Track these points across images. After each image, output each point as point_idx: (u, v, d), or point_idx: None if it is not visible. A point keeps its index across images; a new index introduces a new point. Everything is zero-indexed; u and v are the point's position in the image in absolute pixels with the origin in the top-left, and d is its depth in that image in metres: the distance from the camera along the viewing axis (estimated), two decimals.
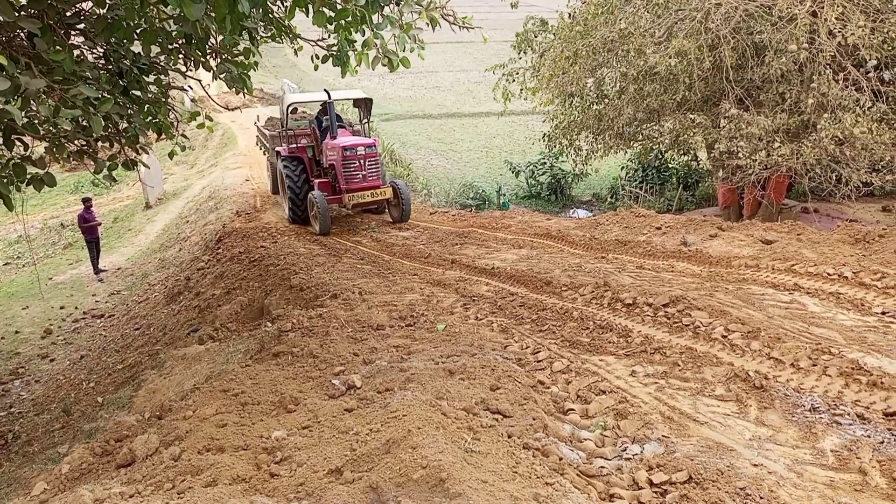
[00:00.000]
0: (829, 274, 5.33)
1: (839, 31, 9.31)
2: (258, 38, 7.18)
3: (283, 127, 11.19)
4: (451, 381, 3.81)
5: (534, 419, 3.37)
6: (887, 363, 3.71)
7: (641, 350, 4.32)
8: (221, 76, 6.54)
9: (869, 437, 3.02)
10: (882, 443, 2.96)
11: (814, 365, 3.79)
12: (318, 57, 7.57)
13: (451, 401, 3.51)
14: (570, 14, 12.14)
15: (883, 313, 4.51)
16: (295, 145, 10.91)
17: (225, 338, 6.72)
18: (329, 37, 7.30)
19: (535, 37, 13.59)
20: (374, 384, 3.93)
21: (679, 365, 4.03)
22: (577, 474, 2.93)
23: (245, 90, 6.71)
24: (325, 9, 5.84)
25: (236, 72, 6.63)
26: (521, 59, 13.59)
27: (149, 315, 9.87)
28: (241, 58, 6.96)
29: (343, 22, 6.14)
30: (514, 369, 4.04)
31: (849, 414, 3.24)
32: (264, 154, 13.57)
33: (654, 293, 5.21)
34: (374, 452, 2.84)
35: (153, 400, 5.31)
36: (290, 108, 10.96)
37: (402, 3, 6.16)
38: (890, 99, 10.26)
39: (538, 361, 4.31)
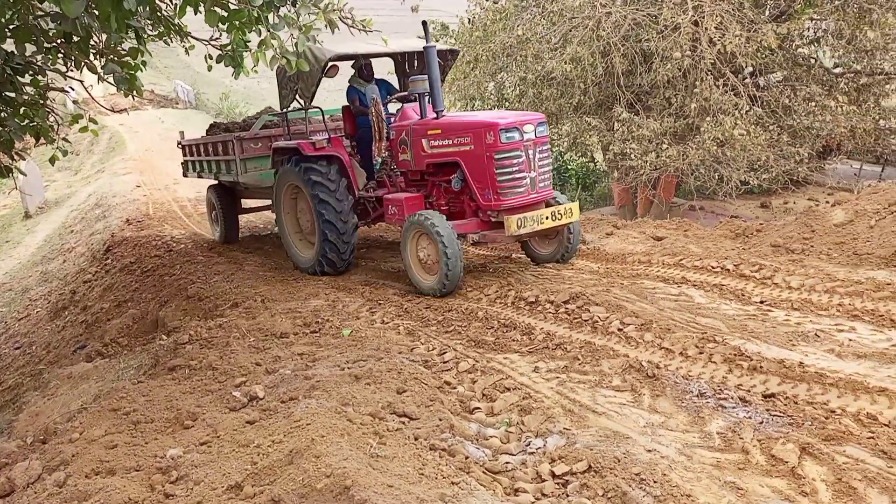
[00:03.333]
0: (712, 267, 5.69)
1: (718, 40, 9.96)
2: (146, 37, 6.83)
3: (284, 109, 7.39)
4: (357, 386, 3.77)
5: (440, 420, 3.38)
6: (765, 348, 3.99)
7: (544, 346, 4.43)
8: (107, 77, 6.18)
9: (750, 418, 3.24)
10: (761, 423, 3.18)
11: (700, 353, 4.02)
12: (211, 57, 7.31)
13: (357, 406, 3.47)
14: (469, 19, 12.35)
15: (761, 302, 4.85)
16: (326, 136, 6.82)
17: (115, 353, 6.34)
18: (222, 36, 7.07)
19: (436, 41, 13.70)
20: (277, 394, 3.82)
21: (579, 359, 4.16)
22: (483, 472, 2.97)
23: (133, 91, 6.37)
24: (217, 8, 5.64)
25: (122, 72, 6.28)
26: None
27: (30, 333, 9.16)
28: (128, 58, 6.60)
29: (237, 22, 5.96)
30: (420, 371, 4.05)
31: (732, 398, 3.46)
32: (199, 176, 9.99)
33: (556, 291, 5.37)
34: (276, 464, 2.76)
35: (36, 423, 4.92)
36: (328, 67, 6.54)
37: (299, 3, 6.04)
38: (765, 103, 11.10)
39: (444, 362, 4.34)
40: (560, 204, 5.99)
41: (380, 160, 6.92)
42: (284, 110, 7.47)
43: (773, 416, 3.23)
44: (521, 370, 4.11)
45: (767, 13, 11.02)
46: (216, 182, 9.61)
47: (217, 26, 6.08)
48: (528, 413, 3.52)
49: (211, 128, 10.11)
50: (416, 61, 7.73)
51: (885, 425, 3.02)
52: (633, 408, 3.50)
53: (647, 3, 10.67)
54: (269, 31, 6.04)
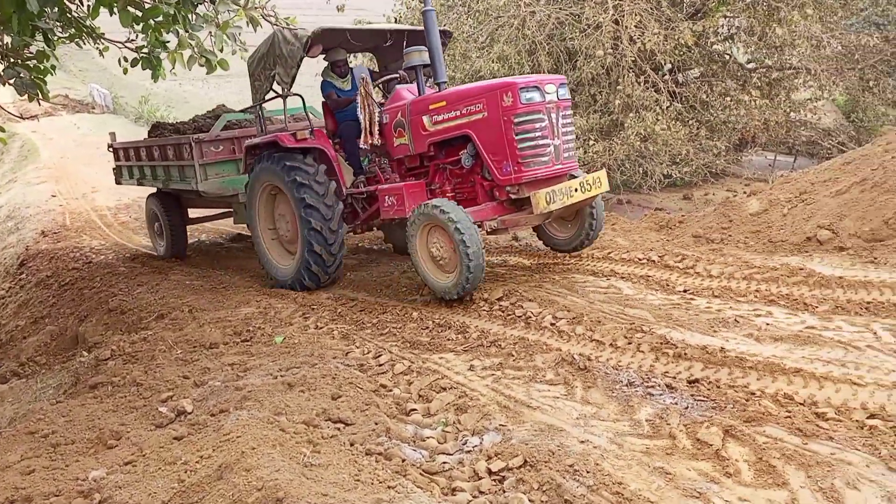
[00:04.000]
0: (639, 259, 5.86)
1: (638, 38, 10.29)
2: (54, 39, 6.49)
3: (258, 100, 6.52)
4: (290, 394, 3.69)
5: (376, 424, 3.35)
6: (689, 336, 4.14)
7: (479, 344, 4.46)
8: (10, 82, 5.84)
9: (676, 404, 3.35)
10: (687, 408, 3.29)
11: (629, 343, 4.13)
12: (126, 59, 7.00)
13: (291, 415, 3.40)
14: (395, 18, 12.31)
15: (685, 291, 5.02)
16: (309, 126, 6.15)
17: (32, 373, 6.01)
18: (138, 38, 6.77)
19: None
20: (206, 407, 3.70)
21: (513, 355, 4.21)
22: (420, 473, 2.96)
23: (40, 96, 6.04)
24: (131, 8, 5.40)
25: (28, 77, 5.95)
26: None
27: None
28: (34, 61, 6.25)
29: (153, 22, 5.73)
30: (355, 376, 4.00)
31: (659, 385, 3.57)
32: (139, 184, 8.90)
33: (489, 288, 5.41)
34: (205, 480, 2.66)
35: None
36: (310, 46, 5.81)
37: (218, 1, 5.85)
38: (684, 99, 11.54)
39: (380, 365, 4.30)
40: (586, 175, 5.27)
41: (369, 151, 6.29)
42: (258, 103, 6.63)
43: (698, 400, 3.34)
44: (457, 369, 4.12)
45: (684, 11, 11.45)
46: (157, 190, 8.67)
47: (132, 27, 5.84)
48: (464, 412, 3.52)
49: (154, 129, 8.88)
50: (405, 43, 6.55)
51: (801, 404, 3.17)
52: (567, 400, 3.56)
53: (569, 3, 10.91)
54: (186, 30, 5.84)
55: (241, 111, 8.15)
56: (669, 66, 11.73)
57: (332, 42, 6.33)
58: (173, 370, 4.40)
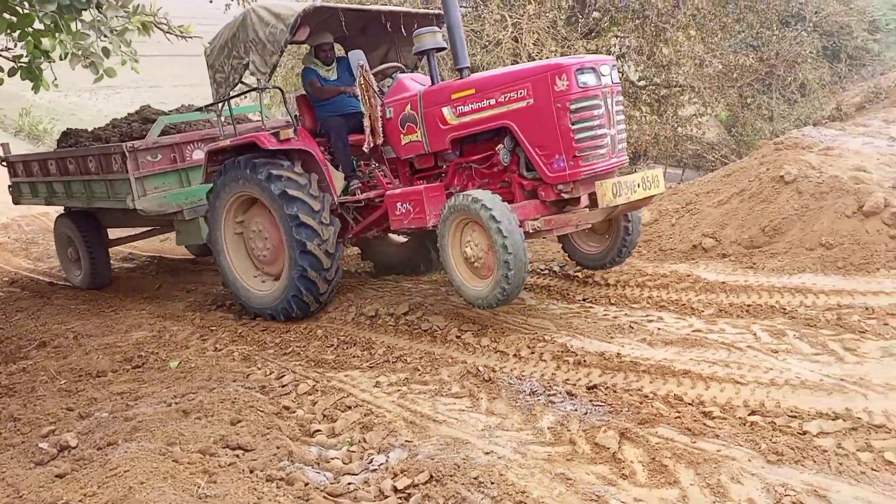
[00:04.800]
0: (541, 269, 6.02)
1: (536, 55, 10.62)
2: None
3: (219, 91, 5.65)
4: (185, 422, 3.52)
5: (278, 448, 3.25)
6: (588, 343, 4.28)
7: (385, 360, 4.43)
8: None
9: (576, 410, 3.45)
10: (586, 413, 3.40)
11: (532, 353, 4.23)
12: (2, 70, 6.50)
13: (185, 444, 3.24)
14: None
15: (584, 300, 5.20)
16: (294, 124, 5.43)
17: None
18: (16, 46, 6.31)
19: None
20: (92, 440, 3.46)
21: (419, 370, 4.21)
22: (324, 497, 2.89)
23: None
24: (6, 14, 5.03)
25: None
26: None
27: None
28: None
29: (31, 29, 5.35)
30: (257, 398, 3.87)
31: (560, 392, 3.66)
32: (47, 203, 7.86)
33: (395, 303, 5.40)
34: None
35: None
36: (298, 27, 5.05)
37: (105, 6, 5.54)
38: None
39: (283, 386, 4.19)
40: (647, 172, 4.69)
41: (367, 151, 5.33)
42: (222, 99, 5.64)
43: (596, 406, 3.46)
44: (363, 386, 4.07)
45: (579, 31, 11.95)
46: (66, 210, 7.57)
47: (6, 33, 5.43)
48: (369, 430, 3.48)
49: (65, 137, 7.63)
50: (402, 29, 5.81)
51: (689, 404, 3.34)
52: (472, 412, 3.59)
53: (471, 20, 11.12)
54: (72, 39, 5.48)
55: (201, 109, 7.05)
56: None
57: (319, 24, 5.60)
58: (56, 402, 4.10)
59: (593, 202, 4.59)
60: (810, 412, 3.12)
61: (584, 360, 4.00)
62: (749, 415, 3.18)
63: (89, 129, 7.75)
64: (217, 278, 7.52)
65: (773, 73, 13.25)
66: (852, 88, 18.21)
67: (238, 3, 9.46)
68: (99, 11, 5.75)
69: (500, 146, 4.65)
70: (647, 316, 4.67)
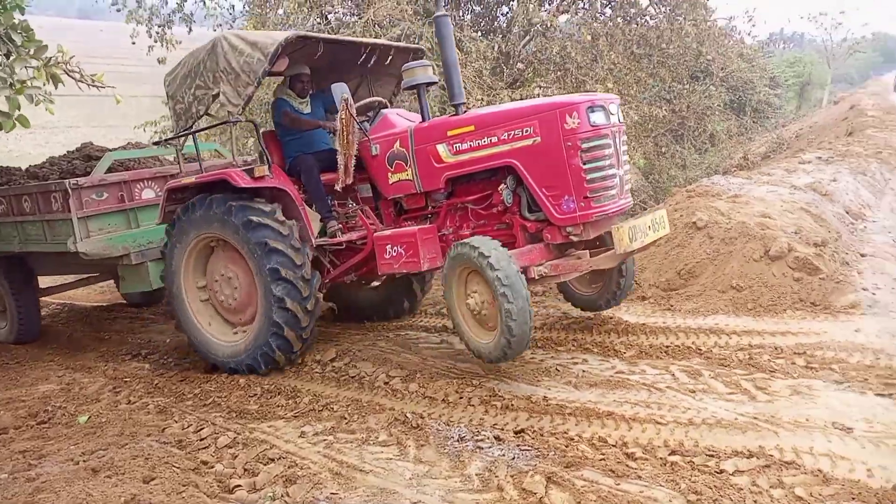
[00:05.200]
0: None
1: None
2: None
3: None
4: (94, 481, 3.30)
5: None
6: (515, 387, 4.31)
7: (310, 409, 4.32)
8: None
9: (504, 455, 3.45)
10: (513, 458, 3.40)
11: (460, 397, 4.22)
12: None
13: None
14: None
15: None
16: (268, 160, 5.09)
17: None
18: None
19: None
20: None
21: (346, 418, 4.12)
22: None
23: None
24: None
25: None
26: None
27: None
28: None
29: None
30: (172, 454, 3.68)
31: (488, 437, 3.66)
32: None
33: (322, 349, 5.30)
34: None
35: None
36: (277, 57, 4.83)
37: (14, 57, 5.31)
38: None
39: (202, 440, 4.01)
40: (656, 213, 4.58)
41: (340, 190, 5.07)
42: (182, 133, 5.37)
43: (523, 450, 3.47)
44: (287, 437, 3.94)
45: (504, 80, 12.36)
46: None
47: None
48: (293, 483, 3.36)
49: None
50: (377, 63, 5.66)
51: (613, 446, 3.41)
52: (400, 461, 3.53)
53: None
54: None
55: (159, 143, 6.55)
56: None
57: (297, 55, 5.33)
58: None
59: (594, 244, 4.57)
60: (726, 451, 3.24)
61: (512, 405, 4.02)
62: (669, 455, 3.26)
63: (28, 168, 7.07)
64: (133, 325, 7.20)
65: (684, 124, 14.08)
66: (757, 139, 19.51)
67: (162, 46, 9.33)
68: (6, 59, 5.49)
69: (503, 186, 4.44)
70: (572, 358, 4.76)
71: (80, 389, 5.03)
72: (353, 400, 4.37)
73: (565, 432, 3.61)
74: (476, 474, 3.29)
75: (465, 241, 4.18)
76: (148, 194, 6.17)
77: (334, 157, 5.04)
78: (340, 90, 4.80)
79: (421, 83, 4.73)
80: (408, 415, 4.01)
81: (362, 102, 5.18)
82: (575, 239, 4.30)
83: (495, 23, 12.56)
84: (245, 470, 3.58)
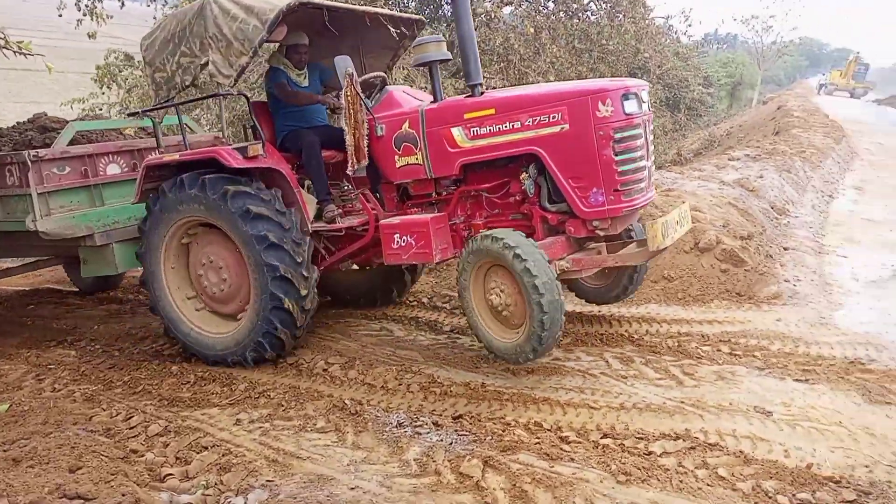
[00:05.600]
0: (409, 301, 6.07)
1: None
2: None
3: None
4: (15, 471, 3.16)
5: (123, 495, 2.99)
6: (454, 374, 4.36)
7: (246, 396, 4.25)
8: None
9: (442, 440, 3.49)
10: (451, 444, 3.44)
11: (400, 384, 4.24)
12: None
13: (15, 496, 2.90)
14: None
15: (451, 331, 5.29)
16: (262, 138, 4.76)
17: None
18: None
19: (120, 71, 12.57)
20: None
21: (283, 405, 4.07)
22: None
23: None
24: None
25: None
26: (104, 94, 12.39)
27: None
28: None
29: None
30: (100, 442, 3.56)
31: (427, 423, 3.69)
32: None
33: None
34: None
35: None
36: (278, 23, 4.41)
37: None
38: None
39: (131, 428, 3.89)
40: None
41: (351, 174, 4.68)
42: (162, 104, 4.95)
43: (461, 435, 3.52)
44: (221, 425, 3.87)
45: (448, 70, 12.38)
46: None
47: None
48: (227, 470, 3.31)
49: None
50: (374, 35, 5.35)
51: (548, 430, 3.49)
52: (338, 447, 3.52)
53: None
54: None
55: (136, 115, 5.91)
56: None
57: (291, 21, 4.78)
58: None
59: (612, 238, 4.34)
60: (655, 433, 3.37)
61: (451, 391, 4.06)
62: (601, 438, 3.37)
63: None
64: (58, 310, 6.89)
65: None
66: (691, 136, 20.19)
67: (93, 20, 8.90)
68: None
69: (525, 175, 4.18)
70: None
71: (1, 377, 4.79)
72: (291, 387, 4.33)
73: (502, 417, 3.68)
74: (414, 459, 3.32)
75: (487, 233, 3.95)
76: (113, 169, 5.69)
77: (332, 134, 4.87)
78: (344, 64, 4.40)
79: (434, 60, 4.36)
80: (346, 401, 4.00)
81: (362, 78, 4.76)
82: (601, 234, 4.10)
83: (440, 11, 12.54)
84: (177, 458, 3.49)
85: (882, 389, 3.74)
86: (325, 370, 4.58)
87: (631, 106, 3.87)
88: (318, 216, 4.88)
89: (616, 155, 3.84)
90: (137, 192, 4.97)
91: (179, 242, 4.93)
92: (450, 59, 4.51)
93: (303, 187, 4.95)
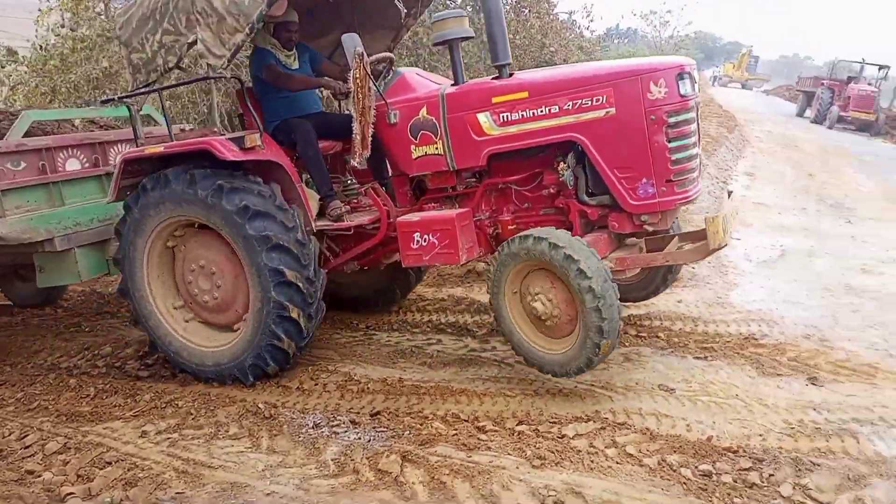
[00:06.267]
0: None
1: None
2: None
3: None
4: None
5: None
6: (371, 370, 4.33)
7: (152, 407, 4.05)
8: None
9: (360, 438, 3.46)
10: (369, 441, 3.42)
11: (315, 384, 4.17)
12: None
13: None
14: (41, 46, 10.83)
15: (367, 328, 5.25)
16: (260, 128, 4.23)
17: None
18: None
19: (3, 67, 11.69)
20: None
21: (193, 413, 3.92)
22: None
23: None
24: None
25: None
26: None
27: None
28: None
29: None
30: None
31: (344, 422, 3.65)
32: None
33: None
34: None
35: None
36: None
37: None
38: None
39: (26, 448, 3.64)
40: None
41: (358, 166, 4.19)
42: (140, 88, 4.44)
43: (379, 432, 3.50)
44: (126, 438, 3.68)
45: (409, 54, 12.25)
46: None
47: None
48: (133, 485, 3.15)
49: None
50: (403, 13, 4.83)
51: (466, 421, 3.53)
52: (252, 453, 3.43)
53: None
54: None
55: (110, 102, 5.08)
56: None
57: None
58: None
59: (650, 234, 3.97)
60: (567, 417, 3.47)
61: (368, 388, 4.03)
62: (517, 425, 3.44)
63: None
64: None
65: None
66: None
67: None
68: None
69: (563, 165, 3.82)
70: (427, 339, 4.85)
71: None
72: (201, 394, 4.17)
73: (420, 411, 3.68)
74: (332, 459, 3.28)
75: (528, 233, 3.55)
76: (73, 165, 5.02)
77: (328, 122, 4.53)
78: (352, 42, 3.90)
79: (455, 38, 3.93)
80: (260, 405, 3.90)
81: (379, 56, 4.30)
82: (650, 229, 3.76)
83: None
84: (78, 476, 3.30)
85: (773, 362, 4.01)
86: None
87: (685, 87, 3.53)
88: (321, 213, 4.46)
89: (669, 141, 3.50)
90: (113, 190, 4.37)
91: (164, 246, 4.40)
92: (472, 37, 4.12)
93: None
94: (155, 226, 4.26)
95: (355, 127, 3.97)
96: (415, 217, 4.06)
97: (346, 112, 4.46)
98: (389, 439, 3.41)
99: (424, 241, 3.98)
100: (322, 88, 4.72)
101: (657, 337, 4.48)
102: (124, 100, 4.58)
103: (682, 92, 3.49)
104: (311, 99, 4.84)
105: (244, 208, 3.91)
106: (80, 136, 5.24)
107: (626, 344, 4.40)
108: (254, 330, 4.09)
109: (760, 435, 3.19)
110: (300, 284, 3.99)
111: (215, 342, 4.37)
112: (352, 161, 4.21)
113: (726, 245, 3.60)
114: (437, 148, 4.03)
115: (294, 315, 4.01)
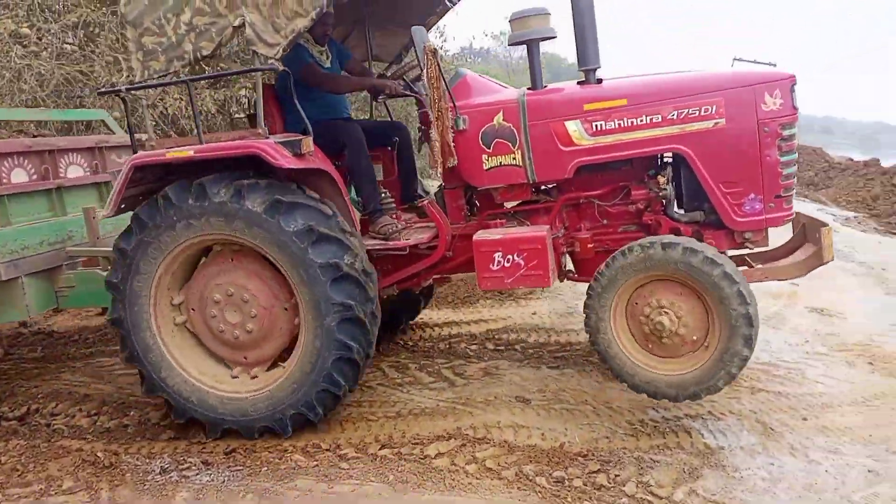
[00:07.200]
0: None
1: (159, 102, 10.08)
2: None
3: None
4: None
5: None
6: None
7: None
8: None
9: (213, 480, 3.26)
10: (224, 482, 3.23)
11: (162, 424, 3.88)
12: None
13: None
14: None
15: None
16: (310, 132, 3.50)
17: None
18: None
19: None
20: None
21: (19, 469, 3.52)
22: None
23: None
24: None
25: None
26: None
27: None
28: None
29: None
30: None
31: (196, 464, 3.42)
32: None
33: None
34: None
35: None
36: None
37: None
38: None
39: None
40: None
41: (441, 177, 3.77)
42: (152, 80, 3.70)
43: (234, 471, 3.32)
44: None
45: (206, 82, 11.72)
46: None
47: None
48: None
49: None
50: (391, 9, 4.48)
51: (327, 450, 3.43)
52: None
53: (78, 59, 10.02)
54: None
55: (109, 93, 3.87)
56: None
57: None
58: None
59: None
60: (430, 436, 3.49)
61: None
62: (380, 449, 3.40)
63: None
64: None
65: None
66: None
67: None
68: None
69: (662, 179, 3.63)
70: None
71: None
72: (28, 447, 3.75)
73: (279, 444, 3.54)
74: None
75: (651, 240, 3.26)
76: (19, 176, 4.25)
77: (361, 128, 4.04)
78: (421, 36, 3.51)
79: (535, 38, 3.62)
80: (99, 454, 3.57)
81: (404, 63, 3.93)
82: (751, 247, 3.65)
83: None
84: None
85: None
86: (68, 424, 4.03)
87: (797, 99, 3.40)
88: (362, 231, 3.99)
89: (781, 155, 3.37)
90: (114, 202, 3.62)
91: (182, 269, 3.73)
92: (555, 37, 3.73)
93: None
94: (176, 245, 3.54)
95: (433, 133, 3.61)
96: (495, 235, 3.63)
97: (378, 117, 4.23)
98: (246, 478, 3.24)
99: (508, 261, 3.57)
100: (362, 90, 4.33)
101: (514, 349, 4.65)
102: (133, 91, 3.76)
103: (795, 104, 3.39)
104: (344, 103, 4.43)
105: (308, 230, 3.34)
106: (29, 143, 4.47)
107: (486, 358, 4.52)
108: (305, 372, 3.49)
109: (607, 437, 3.38)
110: (366, 321, 3.50)
111: (238, 386, 3.70)
112: (437, 171, 3.74)
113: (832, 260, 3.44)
114: (514, 158, 3.68)
115: (357, 357, 3.48)
